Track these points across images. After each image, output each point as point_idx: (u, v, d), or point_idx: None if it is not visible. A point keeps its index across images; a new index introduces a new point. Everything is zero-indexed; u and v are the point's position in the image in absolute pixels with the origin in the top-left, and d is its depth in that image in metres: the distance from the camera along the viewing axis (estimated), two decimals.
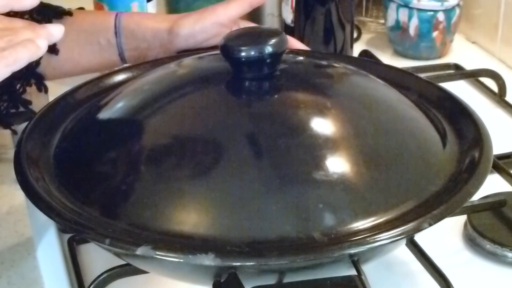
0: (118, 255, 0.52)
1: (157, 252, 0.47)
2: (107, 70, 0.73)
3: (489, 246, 0.63)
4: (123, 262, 0.57)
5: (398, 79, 0.67)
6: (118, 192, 0.52)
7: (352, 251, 0.48)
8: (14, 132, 0.77)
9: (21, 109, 0.77)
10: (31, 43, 0.52)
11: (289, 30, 0.92)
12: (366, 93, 0.61)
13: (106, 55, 0.80)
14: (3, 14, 0.54)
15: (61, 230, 0.66)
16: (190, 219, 0.50)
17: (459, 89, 0.82)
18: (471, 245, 0.65)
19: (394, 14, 0.98)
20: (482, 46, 1.03)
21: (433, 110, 0.63)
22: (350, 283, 0.49)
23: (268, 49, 0.57)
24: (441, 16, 0.96)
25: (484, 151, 0.56)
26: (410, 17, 0.97)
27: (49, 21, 0.78)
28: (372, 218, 0.50)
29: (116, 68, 0.73)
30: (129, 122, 0.58)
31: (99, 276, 0.58)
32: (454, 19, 0.97)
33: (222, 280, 0.48)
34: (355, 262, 0.50)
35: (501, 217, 0.65)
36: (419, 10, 0.96)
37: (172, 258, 0.47)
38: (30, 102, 0.78)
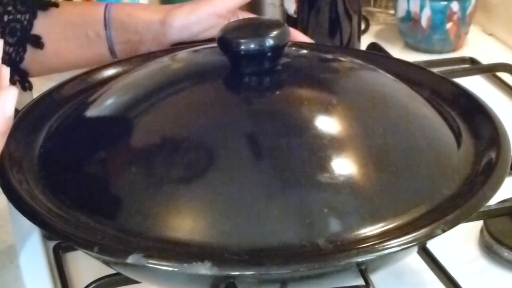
0: (107, 263, 0.52)
1: (150, 261, 0.47)
2: (96, 65, 0.73)
3: (507, 254, 0.63)
4: (113, 271, 0.57)
5: (409, 74, 0.67)
6: (108, 196, 0.52)
7: (360, 259, 0.48)
8: None
9: None
10: None
11: (291, 21, 0.92)
12: (374, 89, 0.61)
13: (95, 49, 0.80)
14: None
15: (46, 236, 0.66)
16: (185, 224, 0.50)
17: (475, 84, 0.82)
18: (487, 253, 0.64)
19: (404, 4, 0.98)
20: (499, 38, 1.03)
21: (446, 108, 0.63)
22: None
23: (269, 42, 0.57)
24: (455, 6, 0.96)
25: (501, 152, 0.56)
26: (422, 7, 0.97)
27: (34, 13, 0.78)
28: (381, 224, 0.50)
29: (105, 63, 0.73)
30: (119, 120, 0.58)
31: (87, 286, 0.58)
32: (469, 10, 0.97)
33: None
34: (363, 271, 0.50)
35: None
36: None
37: (165, 267, 0.47)
38: None
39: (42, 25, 0.79)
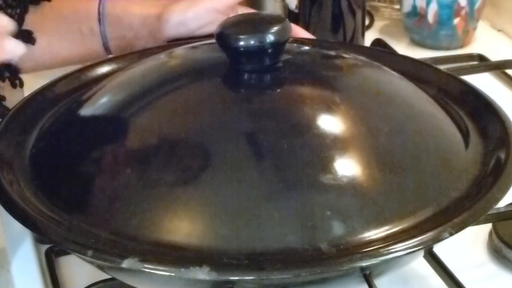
0: (102, 268, 0.52)
1: (146, 265, 0.47)
2: (90, 61, 0.73)
3: None
4: (107, 276, 0.57)
5: (415, 72, 0.67)
6: (102, 198, 0.52)
7: (364, 263, 0.47)
8: None
9: None
10: None
11: (293, 16, 0.92)
12: (379, 87, 0.61)
13: (89, 45, 0.80)
14: None
15: (38, 240, 0.66)
16: (182, 227, 0.50)
17: (483, 82, 0.82)
18: (496, 257, 0.65)
19: None
20: (509, 34, 1.03)
21: (454, 106, 0.63)
22: None
23: (270, 38, 0.57)
24: (463, 1, 0.96)
25: (511, 152, 0.56)
26: (428, 2, 0.97)
27: (25, 7, 0.78)
28: (386, 227, 0.50)
29: (99, 60, 0.73)
30: (114, 119, 0.58)
31: None
32: (477, 4, 0.97)
33: None
34: (367, 276, 0.50)
35: None
36: None
37: (162, 271, 0.47)
38: (3, 98, 0.78)
39: (34, 20, 0.79)
